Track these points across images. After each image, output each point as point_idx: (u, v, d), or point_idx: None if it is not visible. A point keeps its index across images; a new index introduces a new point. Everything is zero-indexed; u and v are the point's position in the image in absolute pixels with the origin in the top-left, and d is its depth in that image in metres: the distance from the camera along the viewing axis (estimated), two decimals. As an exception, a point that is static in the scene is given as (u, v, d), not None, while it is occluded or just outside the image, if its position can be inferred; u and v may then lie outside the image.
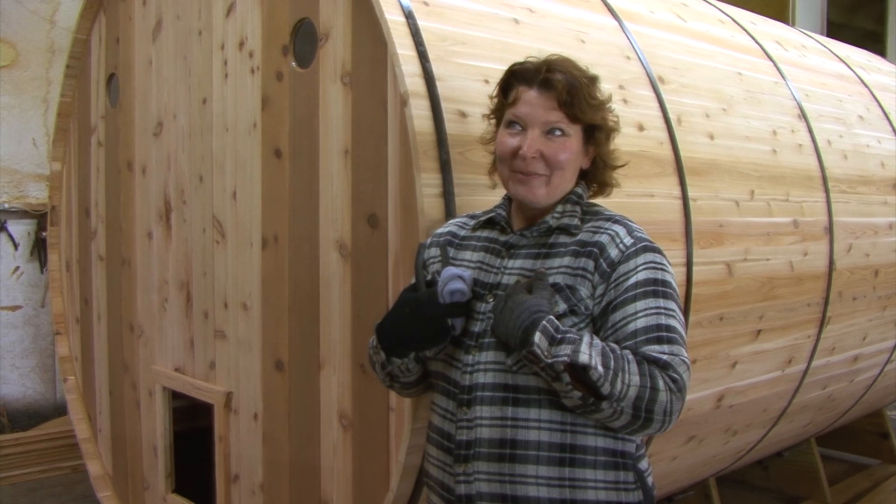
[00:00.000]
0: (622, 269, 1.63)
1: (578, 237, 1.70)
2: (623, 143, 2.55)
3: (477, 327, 1.69)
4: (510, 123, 1.73)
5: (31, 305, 5.81)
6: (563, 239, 1.71)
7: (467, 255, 1.81)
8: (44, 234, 5.41)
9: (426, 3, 2.26)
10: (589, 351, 1.49)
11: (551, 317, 1.54)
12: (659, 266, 1.65)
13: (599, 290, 1.63)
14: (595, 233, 1.69)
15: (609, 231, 1.68)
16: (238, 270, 2.81)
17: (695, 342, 2.77)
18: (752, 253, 2.99)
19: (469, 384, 1.66)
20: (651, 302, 1.59)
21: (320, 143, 2.44)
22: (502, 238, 1.78)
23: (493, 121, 1.82)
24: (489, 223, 1.83)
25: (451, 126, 2.09)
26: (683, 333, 1.61)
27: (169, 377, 3.20)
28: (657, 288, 1.61)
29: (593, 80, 1.75)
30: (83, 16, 3.71)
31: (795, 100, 3.57)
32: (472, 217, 1.90)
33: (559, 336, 1.51)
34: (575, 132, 1.71)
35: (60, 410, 5.52)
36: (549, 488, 1.59)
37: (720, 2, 4.07)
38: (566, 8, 2.79)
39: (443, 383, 1.74)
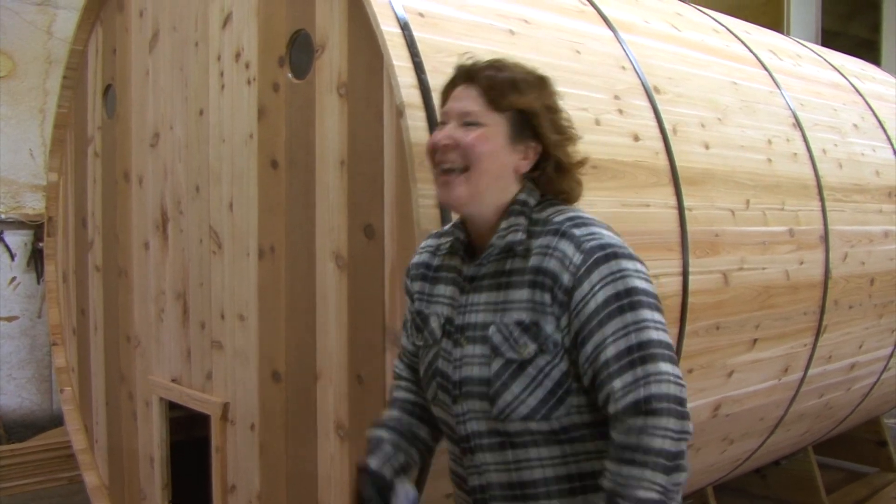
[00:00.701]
0: (578, 295, 1.50)
1: (531, 262, 1.55)
2: (619, 153, 2.57)
3: (456, 375, 1.61)
4: (440, 123, 1.65)
5: (27, 316, 5.81)
6: (518, 264, 1.57)
7: (440, 288, 1.71)
8: (40, 244, 5.41)
9: (422, 15, 2.27)
10: None
11: None
12: (617, 275, 1.50)
13: (564, 322, 1.52)
14: (545, 255, 1.54)
15: (556, 253, 1.53)
16: (235, 281, 2.81)
17: (691, 351, 2.77)
18: (748, 262, 3.00)
19: (465, 433, 1.63)
20: (618, 322, 1.47)
21: (317, 154, 2.44)
22: (463, 269, 1.66)
23: None
24: (453, 248, 1.71)
25: (446, 137, 2.10)
26: (661, 338, 1.48)
27: (166, 388, 3.19)
28: (621, 303, 1.48)
29: (541, 79, 1.65)
30: (80, 27, 3.71)
31: (790, 109, 3.58)
32: (440, 235, 1.78)
33: None
34: (495, 122, 1.58)
35: (57, 421, 5.52)
36: None
37: (715, 11, 4.09)
38: (561, 18, 2.80)
39: (447, 430, 1.71)
